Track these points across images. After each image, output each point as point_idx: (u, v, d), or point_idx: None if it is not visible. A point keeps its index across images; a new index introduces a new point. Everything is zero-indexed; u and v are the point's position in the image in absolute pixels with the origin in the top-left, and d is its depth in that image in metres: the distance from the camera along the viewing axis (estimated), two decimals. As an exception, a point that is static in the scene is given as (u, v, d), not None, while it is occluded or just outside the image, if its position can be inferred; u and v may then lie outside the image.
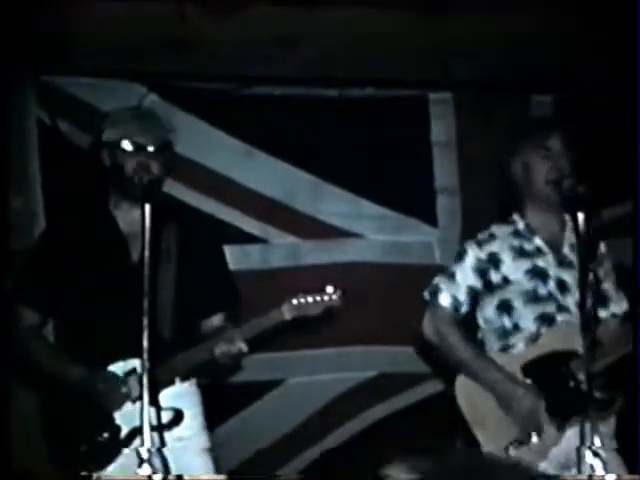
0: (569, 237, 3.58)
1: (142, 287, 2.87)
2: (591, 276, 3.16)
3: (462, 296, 3.59)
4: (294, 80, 5.05)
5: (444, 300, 3.59)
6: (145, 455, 2.75)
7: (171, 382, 3.37)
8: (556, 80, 5.06)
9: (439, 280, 3.65)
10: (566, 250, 3.58)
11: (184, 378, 3.45)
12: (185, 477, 3.15)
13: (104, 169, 3.50)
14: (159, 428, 2.97)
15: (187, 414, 3.38)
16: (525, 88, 5.21)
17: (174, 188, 4.76)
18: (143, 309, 2.83)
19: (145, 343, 2.81)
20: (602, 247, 3.58)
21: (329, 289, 3.21)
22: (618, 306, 3.62)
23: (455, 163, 5.23)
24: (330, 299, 3.21)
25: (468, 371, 3.51)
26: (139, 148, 3.40)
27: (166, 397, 3.28)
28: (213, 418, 4.50)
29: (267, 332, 3.28)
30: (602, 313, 3.50)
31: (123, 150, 3.40)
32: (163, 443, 2.95)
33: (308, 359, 5.03)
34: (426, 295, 3.65)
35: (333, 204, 5.14)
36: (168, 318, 3.35)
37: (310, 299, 3.20)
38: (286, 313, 3.21)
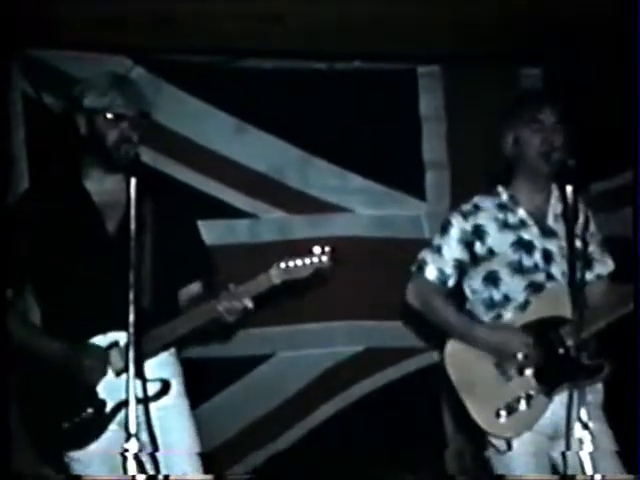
0: (554, 207, 3.59)
1: (119, 259, 2.84)
2: (578, 244, 3.17)
3: (449, 269, 3.59)
4: (282, 53, 5.03)
5: (430, 273, 3.59)
6: (133, 429, 2.74)
7: (156, 352, 3.29)
8: (545, 52, 5.05)
9: (425, 254, 3.64)
10: (550, 221, 3.59)
11: (164, 347, 3.36)
12: (172, 477, 3.15)
13: (79, 137, 3.41)
14: (145, 400, 2.95)
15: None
16: (514, 61, 5.20)
17: (162, 162, 4.77)
18: (129, 282, 2.82)
19: (131, 317, 2.80)
20: (587, 211, 3.58)
21: (316, 250, 3.16)
22: (603, 267, 3.64)
23: (444, 137, 5.22)
24: (319, 260, 3.15)
25: (454, 331, 3.52)
26: (121, 117, 3.33)
27: (149, 367, 3.15)
28: (202, 392, 4.54)
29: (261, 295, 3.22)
30: (587, 275, 3.50)
31: (104, 118, 3.33)
32: (149, 416, 2.94)
33: (296, 334, 5.02)
34: (412, 269, 3.65)
35: (322, 178, 5.13)
36: (147, 289, 3.21)
37: (299, 262, 3.14)
38: (274, 277, 3.15)
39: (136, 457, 2.73)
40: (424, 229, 5.14)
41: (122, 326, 2.92)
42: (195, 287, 3.50)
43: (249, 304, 3.18)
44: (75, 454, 3.29)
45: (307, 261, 3.14)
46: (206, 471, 3.36)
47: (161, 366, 3.35)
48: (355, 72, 5.14)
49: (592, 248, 3.57)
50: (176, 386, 3.39)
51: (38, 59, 4.70)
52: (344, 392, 5.08)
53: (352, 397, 5.09)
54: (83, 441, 3.27)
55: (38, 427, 3.34)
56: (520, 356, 3.41)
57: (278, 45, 4.90)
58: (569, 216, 3.09)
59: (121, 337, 3.20)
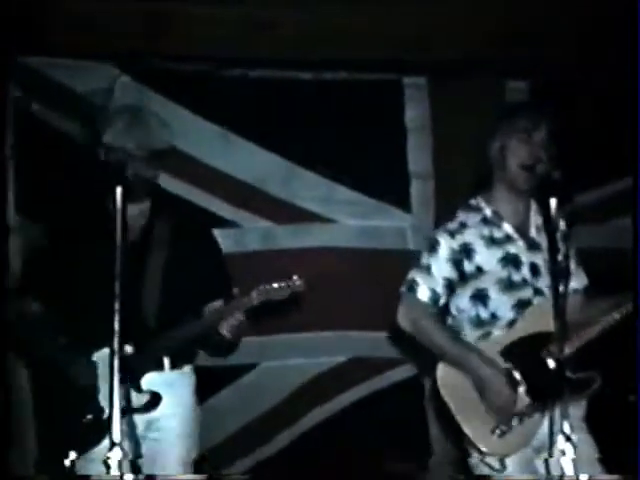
0: (535, 220, 3.59)
1: (127, 276, 2.94)
2: (560, 257, 3.17)
3: (440, 288, 3.55)
4: (268, 63, 5.03)
5: (423, 294, 3.56)
6: (117, 438, 2.76)
7: (159, 366, 3.56)
8: (531, 66, 5.07)
9: (414, 274, 3.60)
10: (533, 233, 3.59)
11: (174, 365, 3.61)
12: (170, 477, 3.38)
13: (101, 166, 3.56)
14: (134, 411, 3.06)
15: (172, 401, 3.55)
16: (500, 73, 5.23)
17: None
18: (115, 292, 2.86)
19: (116, 325, 2.83)
20: (563, 225, 3.58)
21: (294, 277, 3.50)
22: (579, 281, 3.63)
23: (429, 148, 5.23)
24: (294, 285, 3.50)
25: (448, 357, 3.50)
26: (133, 157, 3.48)
27: (154, 383, 3.49)
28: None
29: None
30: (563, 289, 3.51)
31: (120, 154, 3.47)
32: (133, 427, 3.01)
33: (281, 343, 5.03)
34: (403, 290, 3.62)
35: (307, 189, 5.14)
36: (154, 307, 3.55)
37: (276, 285, 3.48)
38: (255, 299, 3.47)
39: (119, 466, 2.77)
40: (408, 240, 5.15)
41: (126, 340, 3.10)
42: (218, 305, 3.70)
43: (242, 317, 3.54)
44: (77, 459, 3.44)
45: (283, 284, 3.50)
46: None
47: (169, 384, 3.57)
48: (341, 82, 5.15)
49: (569, 261, 3.57)
50: (189, 403, 3.70)
51: (26, 66, 4.70)
52: (328, 402, 5.09)
53: (336, 407, 5.09)
54: (86, 445, 3.43)
55: (45, 429, 3.54)
56: (515, 423, 3.41)
57: (264, 54, 4.91)
58: (554, 228, 3.09)
59: (125, 349, 3.35)
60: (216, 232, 4.89)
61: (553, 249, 3.12)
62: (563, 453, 2.83)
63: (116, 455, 2.73)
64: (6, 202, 4.58)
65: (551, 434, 2.90)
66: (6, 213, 4.60)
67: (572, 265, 3.61)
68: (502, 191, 3.61)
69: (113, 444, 2.74)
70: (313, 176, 5.13)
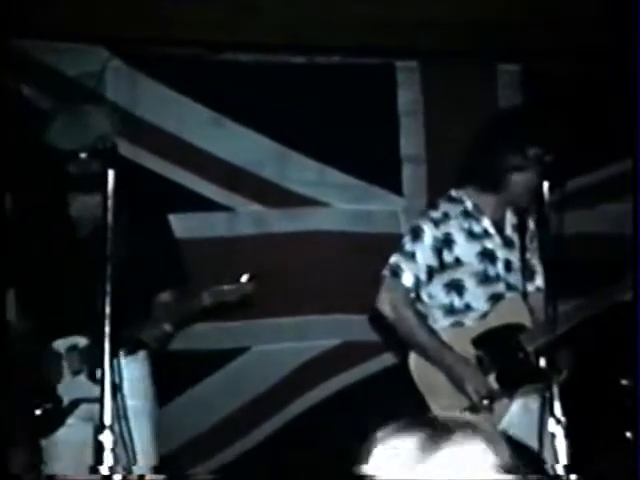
0: (510, 219, 3.65)
1: (85, 268, 2.97)
2: (529, 255, 3.23)
3: (423, 275, 3.61)
4: (261, 47, 5.02)
5: (407, 280, 3.61)
6: (107, 422, 2.78)
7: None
8: (524, 49, 5.06)
9: (399, 260, 3.65)
10: (509, 231, 3.65)
11: (128, 352, 3.60)
12: (147, 477, 3.36)
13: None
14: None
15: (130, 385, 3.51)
16: (492, 57, 5.22)
17: (139, 155, 4.75)
18: (106, 275, 2.90)
19: (107, 309, 2.85)
20: (531, 223, 3.64)
21: (243, 278, 3.43)
22: (542, 280, 3.65)
23: (421, 132, 5.22)
24: (243, 287, 3.45)
25: (425, 353, 3.56)
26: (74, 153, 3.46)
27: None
28: (177, 385, 4.54)
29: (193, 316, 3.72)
30: (529, 287, 3.58)
31: (63, 154, 3.48)
32: (119, 411, 3.05)
33: (273, 327, 5.02)
34: (386, 274, 3.65)
35: (299, 172, 5.12)
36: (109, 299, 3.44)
37: (226, 287, 3.44)
38: (205, 300, 3.46)
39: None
40: (401, 224, 5.14)
41: (82, 331, 3.42)
42: (166, 296, 3.72)
43: (169, 329, 3.53)
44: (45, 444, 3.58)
45: (233, 287, 3.45)
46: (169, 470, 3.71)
47: (130, 367, 3.54)
48: (334, 66, 5.14)
49: (534, 260, 3.62)
50: (143, 388, 3.69)
51: (17, 49, 4.67)
52: (320, 386, 5.08)
53: (329, 391, 5.09)
54: (46, 430, 3.57)
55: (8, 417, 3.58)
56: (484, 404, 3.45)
57: (257, 38, 4.89)
58: (543, 215, 3.11)
59: (80, 341, 3.55)
60: (209, 216, 4.99)
61: (546, 238, 3.16)
62: (553, 436, 2.86)
63: (107, 438, 2.76)
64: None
65: (540, 434, 2.94)
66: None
67: (537, 263, 3.65)
68: (496, 194, 3.63)
69: (103, 427, 2.77)
70: (306, 160, 5.12)
